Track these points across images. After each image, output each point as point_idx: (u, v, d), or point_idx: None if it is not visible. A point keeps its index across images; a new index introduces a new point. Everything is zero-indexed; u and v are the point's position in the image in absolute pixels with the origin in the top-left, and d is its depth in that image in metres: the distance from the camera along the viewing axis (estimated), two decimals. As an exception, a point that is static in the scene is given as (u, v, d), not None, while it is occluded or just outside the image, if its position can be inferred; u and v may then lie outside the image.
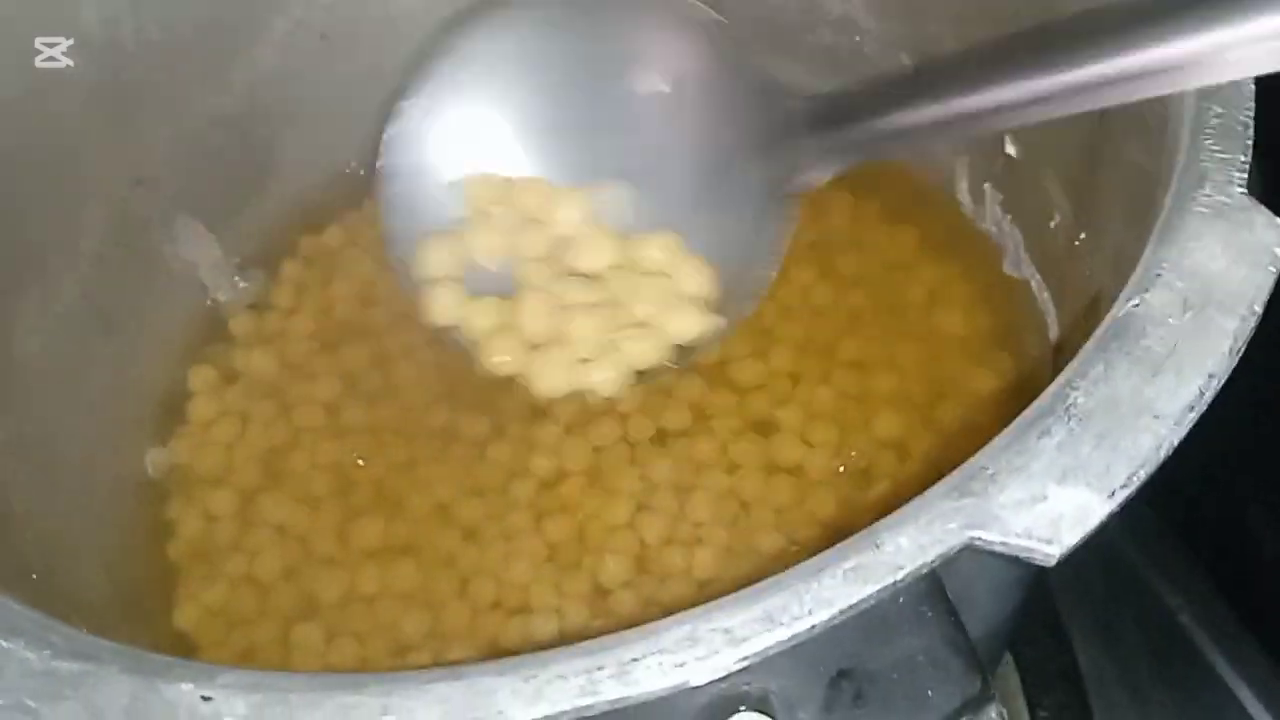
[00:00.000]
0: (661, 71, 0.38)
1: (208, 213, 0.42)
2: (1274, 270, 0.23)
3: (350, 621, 0.36)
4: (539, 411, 0.39)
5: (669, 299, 0.37)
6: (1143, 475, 0.20)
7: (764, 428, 0.38)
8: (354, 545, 0.37)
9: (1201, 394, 0.21)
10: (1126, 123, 0.30)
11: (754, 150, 0.36)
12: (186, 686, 0.20)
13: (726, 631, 0.19)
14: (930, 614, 0.21)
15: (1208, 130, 0.25)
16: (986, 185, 0.41)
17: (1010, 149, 0.39)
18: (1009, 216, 0.40)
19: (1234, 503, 0.41)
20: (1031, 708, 0.39)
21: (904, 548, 0.20)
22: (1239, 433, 0.36)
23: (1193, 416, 0.21)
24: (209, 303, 0.43)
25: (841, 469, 0.37)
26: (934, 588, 0.21)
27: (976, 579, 0.24)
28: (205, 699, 0.20)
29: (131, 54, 0.38)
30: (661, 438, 0.38)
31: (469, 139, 0.38)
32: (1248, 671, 0.37)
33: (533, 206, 0.38)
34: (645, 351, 0.36)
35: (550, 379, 0.36)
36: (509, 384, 0.40)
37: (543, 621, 0.35)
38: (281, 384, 0.41)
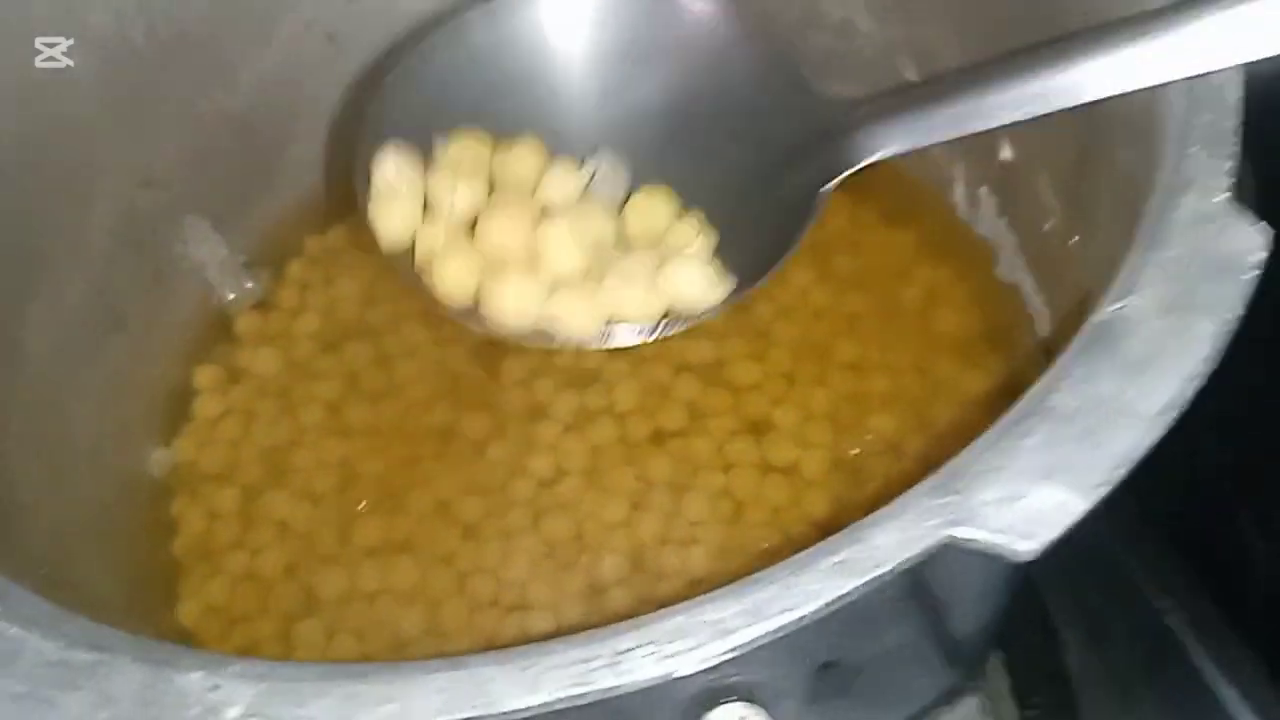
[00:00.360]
0: (704, 62, 0.36)
1: (215, 213, 0.42)
2: (1254, 275, 0.23)
3: (350, 618, 0.37)
4: (538, 411, 0.40)
5: (664, 252, 0.32)
6: (1121, 473, 0.21)
7: (760, 428, 0.39)
8: (354, 543, 0.38)
9: (1181, 394, 0.22)
10: (1118, 128, 0.30)
11: (789, 150, 0.34)
12: (197, 675, 0.20)
13: (715, 624, 0.20)
14: (914, 608, 0.21)
15: (1195, 136, 0.26)
16: (982, 189, 0.41)
17: (1005, 153, 0.39)
18: (1004, 220, 0.41)
19: (1223, 505, 0.41)
20: (1020, 708, 0.39)
21: (888, 544, 0.20)
22: (1228, 435, 0.36)
23: (1171, 416, 0.21)
24: (215, 302, 0.43)
25: (836, 469, 0.38)
26: (917, 583, 0.21)
27: (959, 575, 0.24)
28: (215, 688, 0.20)
29: (141, 54, 0.38)
30: (659, 437, 0.39)
31: (479, 89, 0.35)
32: (1235, 673, 0.37)
33: (519, 171, 0.34)
34: (631, 298, 0.31)
35: (513, 304, 0.30)
36: (509, 384, 0.40)
37: (539, 618, 0.36)
38: (285, 383, 0.42)
